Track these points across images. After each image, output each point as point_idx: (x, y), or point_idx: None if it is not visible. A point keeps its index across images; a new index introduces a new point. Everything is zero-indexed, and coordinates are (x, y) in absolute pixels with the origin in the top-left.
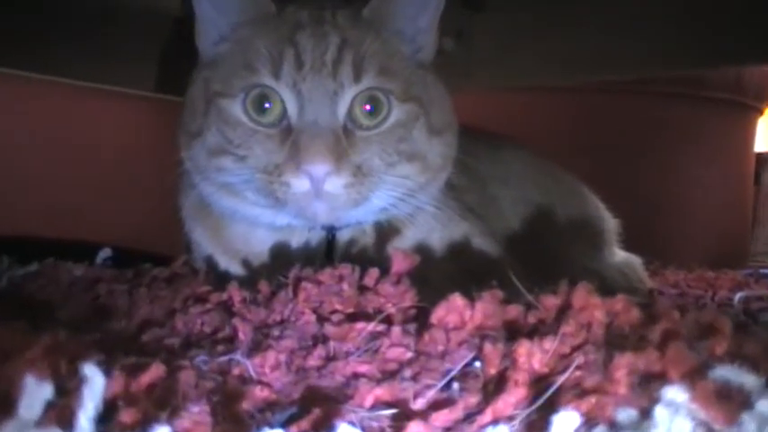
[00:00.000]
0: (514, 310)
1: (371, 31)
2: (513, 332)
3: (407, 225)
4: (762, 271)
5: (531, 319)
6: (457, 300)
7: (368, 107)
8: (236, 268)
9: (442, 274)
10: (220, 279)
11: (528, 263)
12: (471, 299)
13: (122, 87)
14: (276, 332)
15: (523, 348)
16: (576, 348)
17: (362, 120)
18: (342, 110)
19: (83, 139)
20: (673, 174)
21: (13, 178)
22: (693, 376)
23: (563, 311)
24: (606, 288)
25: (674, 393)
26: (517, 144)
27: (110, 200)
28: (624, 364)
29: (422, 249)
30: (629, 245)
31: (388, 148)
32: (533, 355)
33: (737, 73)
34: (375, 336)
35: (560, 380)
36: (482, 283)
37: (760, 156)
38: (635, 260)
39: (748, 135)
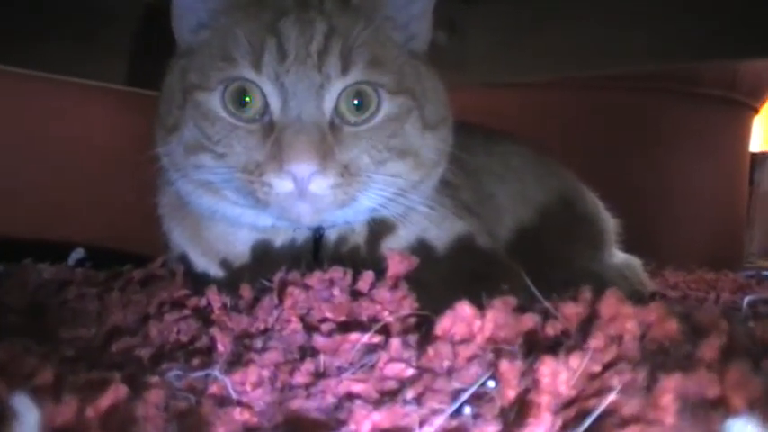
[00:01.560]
0: (530, 320)
1: (361, 18)
2: (530, 346)
3: (402, 222)
4: (764, 273)
5: (550, 330)
6: (465, 308)
7: (356, 101)
8: (215, 270)
9: (439, 276)
10: (200, 282)
11: (525, 263)
12: (480, 306)
13: (96, 81)
14: (259, 343)
15: (547, 366)
16: (607, 366)
17: (350, 115)
18: (328, 104)
19: (57, 135)
20: (667, 172)
21: None
22: (766, 406)
23: (588, 322)
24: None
25: (743, 427)
26: (514, 139)
27: (88, 197)
28: (671, 387)
29: (420, 249)
30: (621, 244)
31: (378, 145)
32: (558, 375)
33: (733, 70)
34: (371, 348)
35: (599, 406)
36: (485, 287)
37: (754, 155)
38: (635, 261)
39: (743, 134)
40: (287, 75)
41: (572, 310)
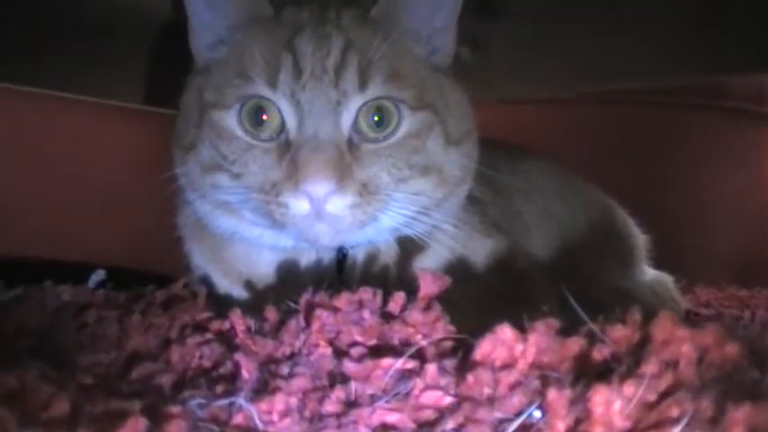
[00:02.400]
0: (576, 344)
1: (380, 32)
2: (577, 372)
3: (433, 240)
4: None
5: (597, 355)
6: (505, 331)
7: (376, 117)
8: (238, 291)
9: (472, 296)
10: (222, 304)
11: (554, 283)
12: (521, 329)
13: (113, 100)
14: (286, 369)
15: (600, 395)
16: (664, 395)
17: (370, 132)
18: (346, 121)
19: (76, 154)
20: (694, 187)
21: (4, 197)
22: None
23: (639, 346)
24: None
25: None
26: (537, 155)
27: (108, 217)
28: (742, 419)
29: (453, 268)
30: (651, 260)
31: (398, 162)
32: (612, 404)
33: (760, 84)
34: (405, 375)
35: None
36: (520, 308)
37: None
38: (666, 278)
39: None
40: (303, 92)
41: (620, 333)
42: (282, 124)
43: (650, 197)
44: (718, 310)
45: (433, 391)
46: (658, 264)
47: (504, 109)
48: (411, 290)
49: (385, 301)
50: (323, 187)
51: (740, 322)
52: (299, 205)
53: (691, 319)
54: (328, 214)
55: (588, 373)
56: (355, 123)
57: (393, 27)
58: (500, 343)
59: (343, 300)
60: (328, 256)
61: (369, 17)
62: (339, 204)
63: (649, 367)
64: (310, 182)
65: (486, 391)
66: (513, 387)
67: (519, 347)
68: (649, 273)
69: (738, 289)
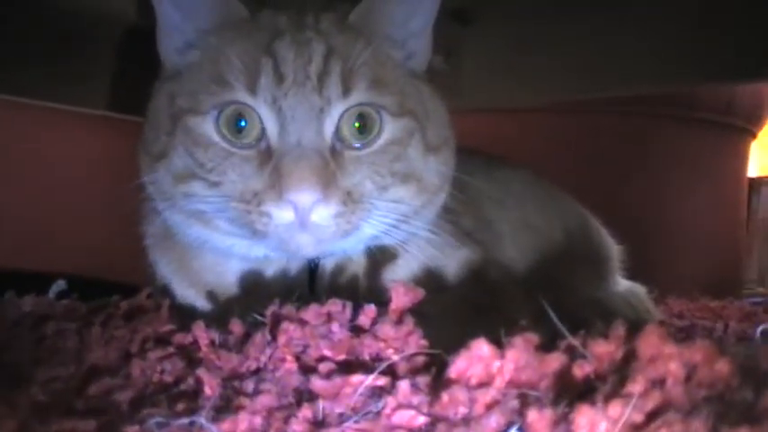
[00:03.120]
0: (556, 361)
1: (361, 38)
2: (557, 391)
3: (404, 249)
4: None
5: (578, 371)
6: (482, 346)
7: (358, 124)
8: (202, 302)
9: (444, 308)
10: (186, 315)
11: (529, 294)
12: (498, 344)
13: (76, 106)
14: (250, 385)
15: (583, 416)
16: (651, 416)
17: (352, 139)
18: (329, 128)
19: (40, 162)
20: (664, 197)
21: None
22: None
23: (624, 362)
24: (612, 320)
25: None
26: (513, 164)
27: (71, 225)
28: None
29: (424, 278)
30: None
31: (381, 170)
32: (597, 425)
33: (730, 94)
34: (376, 392)
35: None
36: (493, 319)
37: (751, 181)
38: (640, 289)
39: (741, 159)
40: (285, 98)
41: (603, 349)
42: (262, 131)
43: (620, 207)
44: (691, 321)
45: (405, 411)
46: (629, 274)
47: (477, 118)
48: (382, 302)
49: (355, 314)
50: (309, 196)
51: (713, 333)
52: (282, 215)
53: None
54: (312, 224)
55: (569, 392)
56: (338, 130)
57: (372, 33)
58: (476, 359)
59: (310, 312)
60: (295, 267)
61: (347, 22)
62: (324, 213)
63: (636, 386)
64: (295, 191)
65: (462, 410)
66: (490, 406)
67: (496, 364)
68: (623, 284)
69: (710, 300)
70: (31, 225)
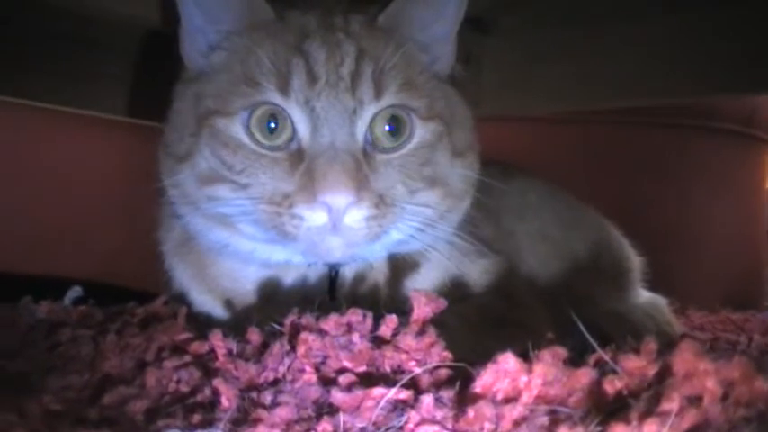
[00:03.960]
0: (586, 376)
1: (391, 41)
2: (587, 407)
3: (426, 258)
4: None
5: (609, 387)
6: (509, 360)
7: (389, 127)
8: (219, 309)
9: (465, 319)
10: (203, 323)
11: (548, 305)
12: (525, 358)
13: (93, 111)
14: (268, 397)
15: None
16: None
17: (383, 141)
18: (361, 130)
19: (57, 166)
20: (684, 208)
21: None
22: None
23: (658, 379)
24: (633, 333)
25: None
26: (530, 174)
27: (90, 231)
28: None
29: (447, 288)
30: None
31: (411, 173)
32: None
33: (750, 105)
34: (398, 406)
35: None
36: (514, 332)
37: None
38: (661, 301)
39: (761, 169)
40: (318, 99)
41: (634, 364)
42: (293, 132)
43: (641, 218)
44: (713, 333)
45: (428, 426)
46: (649, 285)
47: (494, 126)
48: (403, 311)
49: (376, 324)
50: (343, 198)
51: (737, 347)
52: (315, 217)
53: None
54: (345, 226)
55: (600, 408)
56: (369, 133)
57: (401, 35)
58: (503, 373)
59: (330, 322)
60: (315, 274)
61: (376, 25)
62: (356, 216)
63: (671, 404)
64: (330, 193)
65: (488, 426)
66: (517, 423)
67: (523, 378)
68: (644, 295)
69: (732, 312)
70: (46, 230)
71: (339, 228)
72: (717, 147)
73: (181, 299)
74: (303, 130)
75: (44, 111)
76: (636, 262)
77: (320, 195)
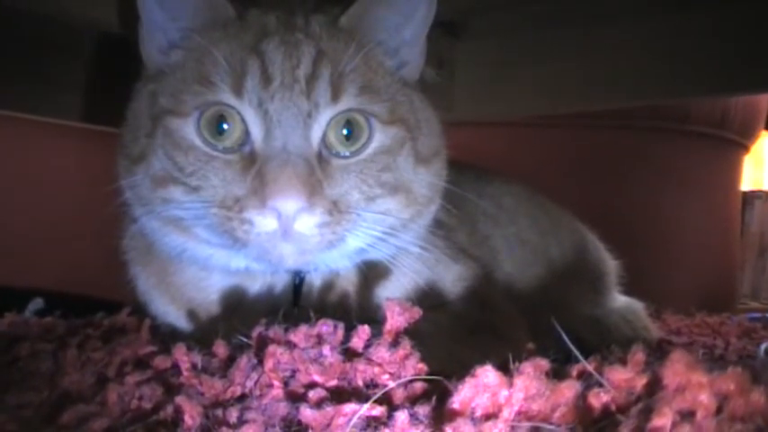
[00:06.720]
0: (570, 389)
1: (352, 42)
2: (572, 423)
3: (396, 265)
4: None
5: (595, 401)
6: (488, 373)
7: (346, 131)
8: (183, 322)
9: (440, 327)
10: (168, 335)
11: (524, 311)
12: (505, 370)
13: (51, 118)
14: (234, 414)
15: None
16: None
17: (340, 146)
18: (316, 134)
19: (19, 176)
20: (657, 211)
21: None
22: None
23: (647, 391)
24: (610, 338)
25: None
26: (505, 178)
27: (50, 239)
28: None
29: (419, 296)
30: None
31: (369, 180)
32: None
33: (723, 108)
34: (370, 423)
35: None
36: (490, 340)
37: (744, 194)
38: (637, 305)
39: (734, 172)
40: (272, 101)
41: (621, 376)
42: (246, 134)
43: (614, 221)
44: (690, 337)
45: None
46: (624, 289)
47: (468, 131)
48: (374, 321)
49: (347, 336)
50: (293, 203)
51: (715, 351)
52: (265, 222)
53: (664, 348)
54: (296, 233)
55: (586, 424)
56: (325, 137)
57: (363, 38)
58: (482, 388)
59: (300, 334)
60: (282, 282)
61: (338, 26)
62: (308, 223)
63: (663, 419)
64: (280, 197)
65: None
66: None
67: (504, 393)
68: (620, 299)
69: (708, 315)
70: (8, 239)
71: (290, 234)
72: (690, 149)
73: (144, 309)
74: (256, 132)
75: (3, 117)
76: (612, 266)
77: (270, 200)
